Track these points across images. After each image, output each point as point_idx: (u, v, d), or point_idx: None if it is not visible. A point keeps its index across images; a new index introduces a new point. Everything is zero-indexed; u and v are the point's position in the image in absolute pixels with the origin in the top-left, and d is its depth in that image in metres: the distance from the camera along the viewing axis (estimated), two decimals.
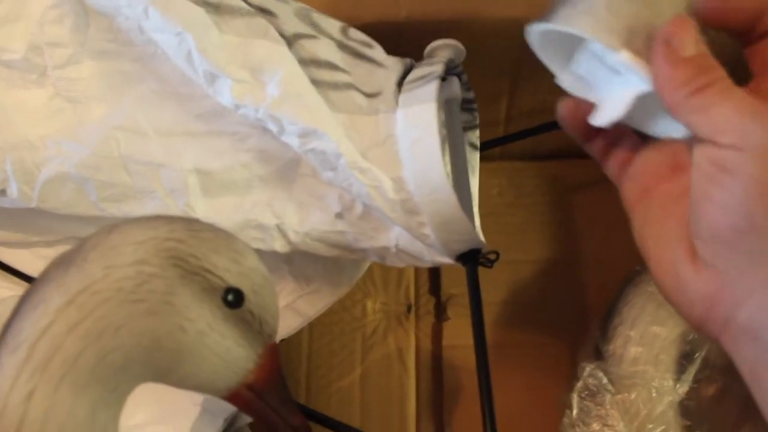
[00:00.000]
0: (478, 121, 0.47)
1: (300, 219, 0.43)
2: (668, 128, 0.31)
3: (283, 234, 0.43)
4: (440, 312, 0.61)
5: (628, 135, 0.33)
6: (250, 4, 0.40)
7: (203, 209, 0.42)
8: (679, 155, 0.31)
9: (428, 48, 0.44)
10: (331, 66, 0.40)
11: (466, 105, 0.46)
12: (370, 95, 0.40)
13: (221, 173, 0.42)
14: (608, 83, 0.30)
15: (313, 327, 0.59)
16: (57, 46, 0.42)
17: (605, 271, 0.60)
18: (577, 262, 0.61)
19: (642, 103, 0.29)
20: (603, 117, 0.30)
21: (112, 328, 0.28)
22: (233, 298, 0.31)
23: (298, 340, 0.59)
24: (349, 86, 0.40)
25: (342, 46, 0.41)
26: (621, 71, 0.29)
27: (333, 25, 0.42)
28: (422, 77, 0.40)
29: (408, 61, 0.43)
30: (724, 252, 0.27)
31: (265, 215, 0.42)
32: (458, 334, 0.59)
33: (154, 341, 0.29)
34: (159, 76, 0.41)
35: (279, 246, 0.43)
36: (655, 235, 0.31)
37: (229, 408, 0.44)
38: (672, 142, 0.31)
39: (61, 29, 0.41)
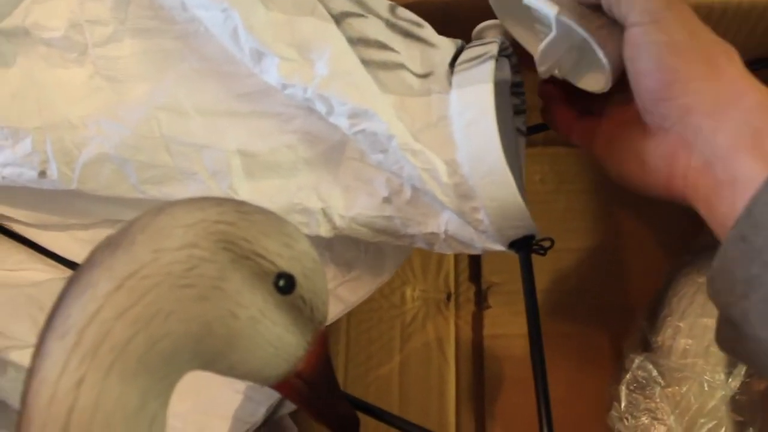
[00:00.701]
0: (525, 106, 0.46)
1: (346, 203, 0.41)
2: (590, 80, 0.40)
3: (329, 218, 0.42)
4: (480, 300, 0.59)
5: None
6: None
7: (246, 192, 0.41)
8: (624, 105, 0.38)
9: (476, 29, 0.43)
10: (381, 45, 0.39)
11: (514, 89, 0.45)
12: (421, 75, 0.39)
13: (265, 155, 0.41)
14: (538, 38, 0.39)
15: (351, 315, 0.58)
16: (97, 24, 0.41)
17: (650, 260, 0.58)
18: (621, 251, 0.60)
19: (569, 58, 0.39)
20: (539, 68, 0.40)
21: (162, 314, 0.27)
22: (285, 284, 0.30)
23: (336, 327, 0.58)
24: (400, 66, 0.39)
25: (391, 25, 0.40)
26: (545, 24, 0.37)
27: (381, 4, 0.41)
28: (477, 57, 0.39)
29: (459, 42, 0.42)
30: (666, 108, 0.34)
31: (310, 199, 0.41)
32: (499, 323, 0.58)
33: (204, 328, 0.28)
34: (201, 55, 0.40)
35: (324, 230, 0.42)
36: (621, 150, 0.38)
37: (271, 397, 0.43)
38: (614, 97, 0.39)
39: (102, 6, 0.40)
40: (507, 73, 0.43)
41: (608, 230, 0.60)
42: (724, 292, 0.31)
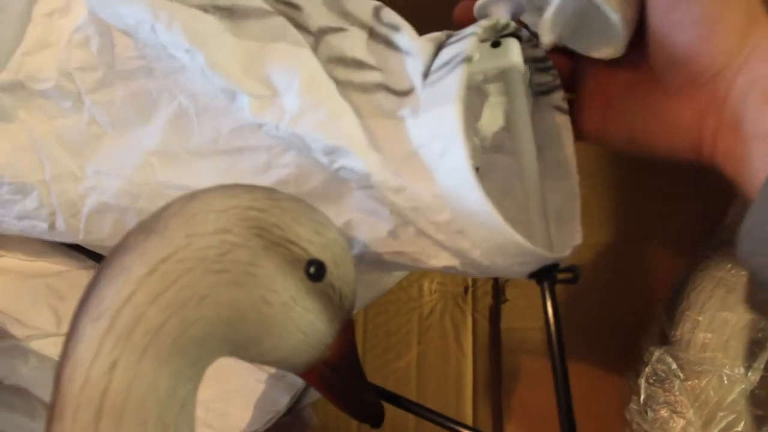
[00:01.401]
0: (559, 81, 0.40)
1: (349, 240, 0.38)
2: (599, 47, 0.37)
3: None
4: (498, 293, 0.59)
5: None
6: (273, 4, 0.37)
7: None
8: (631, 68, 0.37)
9: (477, 5, 0.38)
10: (359, 64, 0.36)
11: (538, 64, 0.40)
12: (402, 93, 0.36)
13: None
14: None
15: (368, 307, 0.58)
16: (86, 70, 0.40)
17: (669, 254, 0.58)
18: (638, 245, 0.60)
19: (571, 25, 0.36)
20: (545, 39, 0.37)
21: (195, 299, 0.27)
22: (316, 271, 0.30)
23: (354, 320, 0.58)
24: (379, 87, 0.36)
25: (374, 35, 0.37)
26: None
27: (366, 9, 0.38)
28: (447, 63, 0.34)
29: (442, 36, 0.37)
30: (701, 64, 0.32)
31: None
32: (517, 317, 0.58)
33: (237, 313, 0.28)
34: (190, 92, 0.38)
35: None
36: (637, 114, 0.36)
37: (294, 387, 0.43)
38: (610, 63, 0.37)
39: (88, 52, 0.39)
40: (512, 58, 0.37)
41: (625, 225, 0.60)
42: (757, 253, 0.29)
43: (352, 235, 0.38)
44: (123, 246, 0.28)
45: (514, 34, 0.37)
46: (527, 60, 0.38)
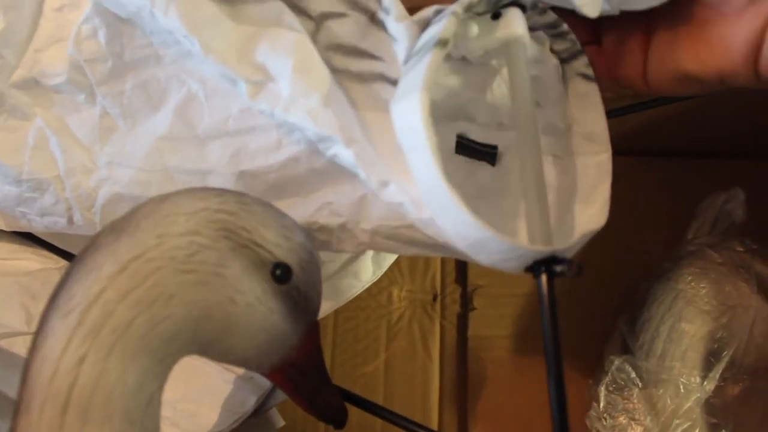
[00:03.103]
0: (580, 46, 0.36)
1: (365, 215, 0.37)
2: None
3: (351, 234, 0.38)
4: (466, 302, 0.60)
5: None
6: None
7: None
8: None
9: None
10: (358, 52, 0.36)
11: (552, 30, 0.36)
12: (395, 83, 0.34)
13: (271, 172, 0.38)
14: None
15: (338, 312, 0.59)
16: (96, 62, 0.39)
17: (632, 266, 0.59)
18: (603, 258, 0.61)
19: None
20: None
21: (163, 297, 0.28)
22: (282, 273, 0.31)
23: (324, 324, 0.59)
24: (377, 77, 0.35)
25: (375, 20, 0.36)
26: None
27: None
28: (423, 47, 0.32)
29: (429, 14, 0.34)
30: None
31: (324, 215, 0.38)
32: (484, 325, 0.59)
33: (203, 312, 0.29)
34: (198, 76, 0.38)
35: (350, 247, 0.38)
36: (687, 48, 0.33)
37: (261, 388, 0.43)
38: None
39: (96, 43, 0.39)
40: (515, 28, 0.33)
41: (593, 237, 0.62)
42: None
43: (367, 209, 0.37)
44: (94, 245, 0.29)
45: (517, 3, 0.34)
46: (540, 27, 0.35)
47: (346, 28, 0.36)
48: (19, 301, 0.50)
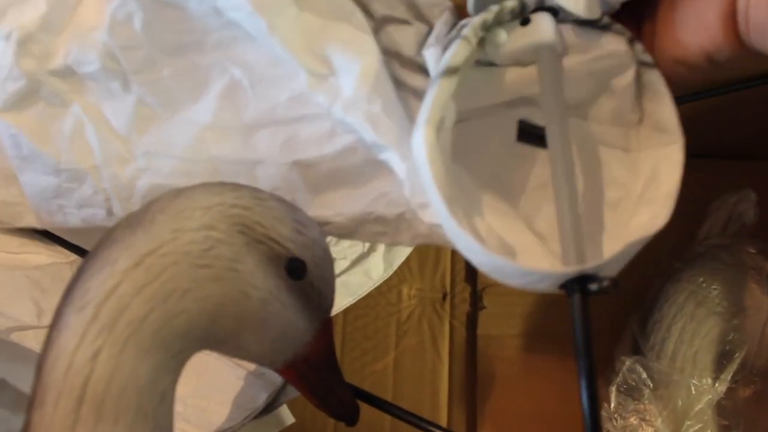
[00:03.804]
0: (630, 33, 0.33)
1: (424, 205, 0.35)
2: None
3: (409, 225, 0.37)
4: (476, 301, 0.60)
5: None
6: None
7: (311, 206, 0.38)
8: None
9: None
10: (416, 66, 0.35)
11: (596, 26, 0.33)
12: None
13: (325, 162, 0.37)
14: None
15: (348, 310, 0.59)
16: (131, 49, 0.38)
17: (643, 266, 0.59)
18: None
19: None
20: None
21: (178, 292, 0.28)
22: (296, 269, 0.31)
23: (333, 322, 0.59)
24: None
25: (438, 37, 0.34)
26: None
27: (431, 4, 0.36)
28: (435, 75, 0.31)
29: (448, 33, 0.33)
30: None
31: (382, 205, 0.37)
32: (494, 324, 0.59)
33: (218, 307, 0.29)
34: (243, 62, 0.37)
35: (407, 239, 0.37)
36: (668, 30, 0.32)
37: (272, 385, 0.44)
38: None
39: (131, 29, 0.37)
40: (546, 31, 0.32)
41: None
42: None
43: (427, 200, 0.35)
44: (109, 239, 0.29)
45: (545, 8, 0.33)
46: (588, 25, 0.33)
47: (407, 38, 0.35)
48: (29, 294, 0.50)
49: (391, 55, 0.35)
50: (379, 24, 0.35)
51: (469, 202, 0.32)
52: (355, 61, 0.34)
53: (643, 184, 0.33)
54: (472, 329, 0.59)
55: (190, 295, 0.28)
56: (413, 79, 0.35)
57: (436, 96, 0.29)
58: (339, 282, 0.49)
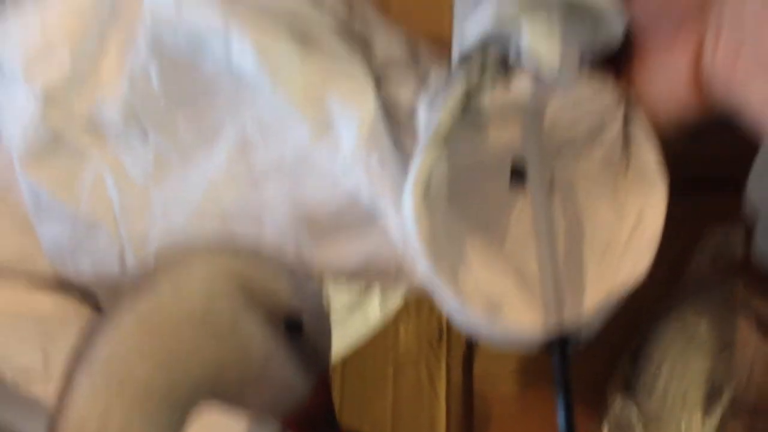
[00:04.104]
0: (614, 85, 0.35)
1: None
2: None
3: (407, 273, 0.38)
4: (472, 339, 0.61)
5: None
6: (348, 30, 0.38)
7: (316, 257, 0.39)
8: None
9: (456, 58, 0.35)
10: (413, 113, 0.36)
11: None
12: None
13: (328, 212, 0.38)
14: None
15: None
16: (149, 103, 0.40)
17: (634, 302, 0.60)
18: None
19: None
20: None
21: (183, 352, 0.29)
22: (294, 325, 0.32)
23: (331, 367, 0.60)
24: None
25: (430, 96, 0.36)
26: None
27: (430, 56, 0.38)
28: (422, 139, 0.33)
29: (435, 89, 0.35)
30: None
31: (382, 254, 0.38)
32: (489, 362, 0.60)
33: (220, 364, 0.30)
34: (254, 115, 0.39)
35: (405, 286, 0.40)
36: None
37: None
38: None
39: (149, 85, 0.40)
40: (527, 89, 0.33)
41: None
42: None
43: None
44: (117, 302, 0.31)
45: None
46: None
47: (405, 85, 0.37)
48: (36, 341, 0.51)
49: (391, 101, 0.37)
50: (381, 68, 0.37)
51: (458, 256, 0.33)
52: (354, 115, 0.35)
53: (630, 230, 0.34)
54: (468, 368, 0.60)
55: (193, 355, 0.30)
56: (410, 128, 0.36)
57: (422, 161, 0.31)
58: (337, 327, 0.50)
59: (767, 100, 0.27)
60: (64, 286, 0.51)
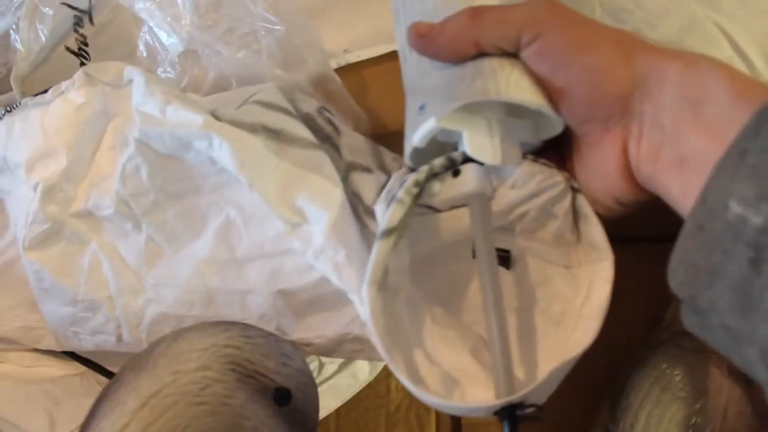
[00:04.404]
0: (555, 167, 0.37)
1: None
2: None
3: None
4: None
5: None
6: (316, 131, 0.41)
7: (295, 330, 0.42)
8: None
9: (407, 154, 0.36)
10: (374, 213, 0.38)
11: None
12: None
13: (306, 290, 0.41)
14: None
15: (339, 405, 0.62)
16: (139, 196, 0.43)
17: (613, 352, 0.63)
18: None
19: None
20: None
21: (180, 428, 0.32)
22: (282, 397, 0.35)
23: (326, 417, 0.62)
24: None
25: (388, 193, 0.38)
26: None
27: (394, 161, 0.41)
28: (377, 235, 0.35)
29: (393, 187, 0.37)
30: (603, 109, 0.32)
31: (357, 327, 0.41)
32: None
33: None
34: (236, 203, 0.42)
35: (381, 356, 0.40)
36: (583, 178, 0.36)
37: None
38: None
39: (139, 179, 0.43)
40: (475, 181, 0.35)
41: None
42: (687, 283, 0.29)
43: None
44: (118, 381, 0.33)
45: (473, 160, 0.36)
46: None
47: (369, 185, 0.40)
48: (43, 406, 0.54)
49: (357, 199, 0.39)
50: (348, 169, 0.40)
51: (416, 339, 0.36)
52: (323, 212, 0.38)
53: (583, 299, 0.36)
54: (457, 418, 0.63)
55: (190, 430, 0.32)
56: (373, 225, 0.39)
57: (376, 257, 0.33)
58: (328, 385, 0.53)
59: (684, 191, 0.30)
60: (69, 353, 0.54)
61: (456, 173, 0.36)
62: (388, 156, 0.41)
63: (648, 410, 0.55)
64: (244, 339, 0.35)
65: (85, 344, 0.49)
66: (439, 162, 0.35)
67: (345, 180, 0.40)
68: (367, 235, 0.39)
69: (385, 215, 0.34)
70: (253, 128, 0.39)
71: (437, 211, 0.37)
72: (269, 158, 0.39)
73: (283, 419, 0.35)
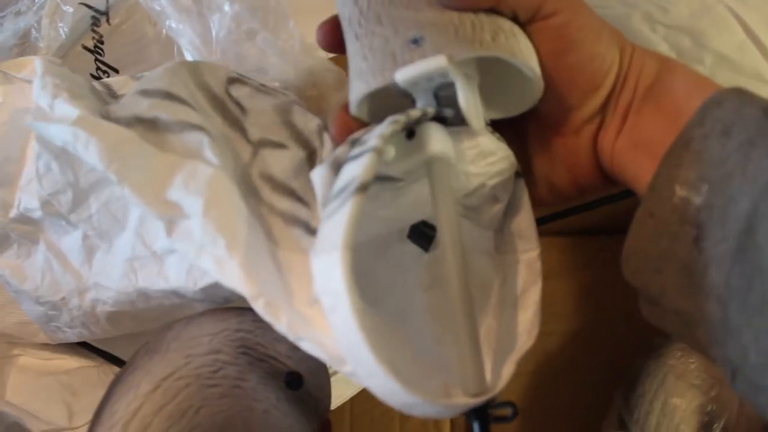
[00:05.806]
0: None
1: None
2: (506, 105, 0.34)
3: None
4: None
5: None
6: (226, 115, 0.37)
7: None
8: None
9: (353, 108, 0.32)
10: (287, 191, 0.35)
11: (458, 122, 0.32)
12: (315, 232, 0.33)
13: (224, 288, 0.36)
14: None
15: (354, 395, 0.63)
16: (59, 194, 0.41)
17: (626, 342, 0.63)
18: (602, 334, 0.65)
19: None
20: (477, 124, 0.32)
21: (192, 410, 0.33)
22: (293, 381, 0.35)
23: (341, 408, 0.63)
24: (300, 223, 0.34)
25: (311, 161, 0.36)
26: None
27: (312, 126, 0.37)
28: (342, 190, 0.28)
29: (344, 151, 0.30)
30: (594, 98, 0.33)
31: None
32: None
33: (227, 420, 0.33)
34: None
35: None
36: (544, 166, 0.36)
37: None
38: None
39: (54, 177, 0.40)
40: (435, 142, 0.31)
41: (589, 317, 0.65)
42: (639, 271, 0.30)
43: None
44: (132, 365, 0.34)
45: (437, 117, 0.32)
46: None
47: (282, 161, 0.36)
48: (61, 397, 0.55)
49: (265, 178, 0.35)
50: (256, 147, 0.37)
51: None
52: (197, 198, 0.33)
53: (510, 288, 0.34)
54: None
55: (202, 412, 0.33)
56: (281, 203, 0.35)
57: (351, 215, 0.26)
58: (342, 375, 0.53)
59: (637, 174, 0.31)
60: (84, 344, 0.55)
61: (410, 134, 0.31)
62: (297, 114, 0.38)
63: (663, 398, 0.54)
64: (256, 323, 0.35)
65: (69, 336, 0.49)
66: (414, 113, 0.30)
67: (253, 158, 0.36)
68: (268, 215, 0.34)
69: (356, 168, 0.28)
70: (128, 122, 0.35)
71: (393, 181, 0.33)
72: (146, 151, 0.34)
73: (294, 403, 0.35)
